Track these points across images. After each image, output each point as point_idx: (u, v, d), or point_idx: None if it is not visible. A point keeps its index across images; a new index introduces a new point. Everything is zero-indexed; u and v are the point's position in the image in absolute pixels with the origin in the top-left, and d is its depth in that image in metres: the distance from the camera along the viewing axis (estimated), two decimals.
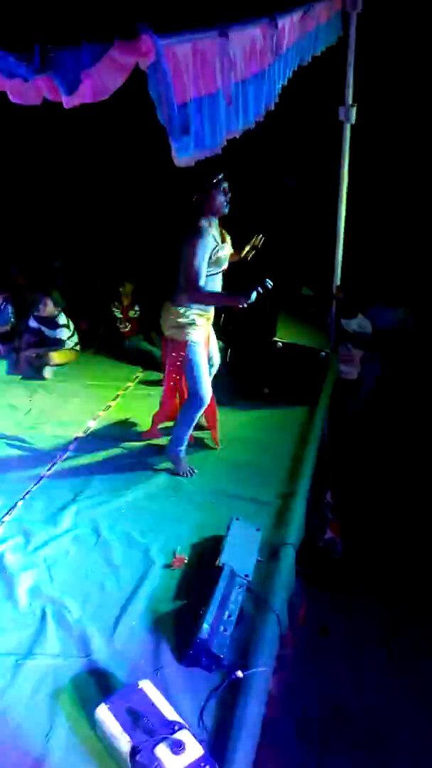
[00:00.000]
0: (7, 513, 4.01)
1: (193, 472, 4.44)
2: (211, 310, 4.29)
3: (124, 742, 2.37)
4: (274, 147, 6.20)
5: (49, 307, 6.19)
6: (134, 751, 2.32)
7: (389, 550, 4.33)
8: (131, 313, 6.52)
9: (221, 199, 3.97)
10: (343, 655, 3.34)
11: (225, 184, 3.95)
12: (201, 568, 3.48)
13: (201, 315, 4.18)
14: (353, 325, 6.04)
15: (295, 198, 7.13)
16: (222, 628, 2.97)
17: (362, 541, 4.42)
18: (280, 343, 5.34)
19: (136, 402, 5.55)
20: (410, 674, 3.21)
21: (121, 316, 6.52)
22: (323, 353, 5.38)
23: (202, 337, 4.24)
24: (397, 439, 5.63)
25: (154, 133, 2.78)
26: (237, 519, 3.69)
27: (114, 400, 5.54)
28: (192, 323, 4.14)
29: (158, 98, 2.65)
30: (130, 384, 5.87)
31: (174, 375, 4.39)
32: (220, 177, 3.92)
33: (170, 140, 2.74)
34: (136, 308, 6.53)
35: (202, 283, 3.95)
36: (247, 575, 3.34)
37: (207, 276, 4.01)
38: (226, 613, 3.06)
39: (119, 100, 2.66)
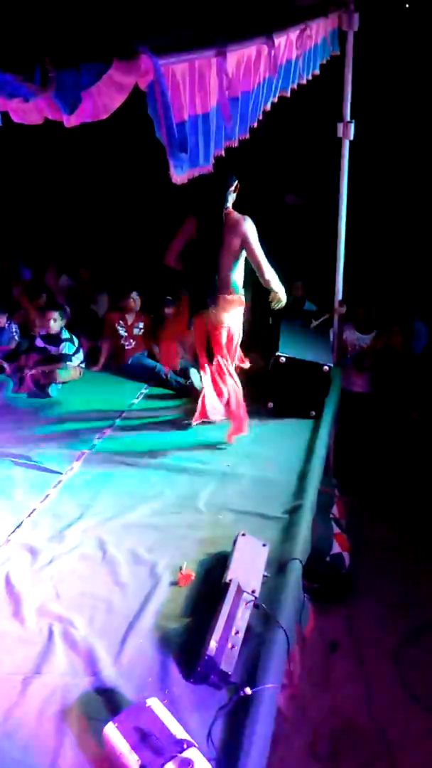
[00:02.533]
0: (13, 531, 4.00)
1: None
2: None
3: (132, 762, 2.35)
4: (274, 164, 6.27)
5: (52, 323, 6.21)
6: None
7: (397, 562, 4.30)
8: (135, 331, 6.54)
9: (233, 195, 4.69)
10: (353, 670, 3.31)
11: (236, 183, 4.67)
12: (208, 585, 3.46)
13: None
14: (368, 340, 6.05)
15: (297, 214, 7.18)
16: (230, 645, 2.95)
17: (369, 555, 4.40)
18: (283, 358, 5.34)
19: (141, 418, 5.55)
20: (420, 688, 3.17)
21: (125, 334, 6.53)
22: (326, 367, 5.38)
23: None
24: (404, 451, 5.60)
25: (155, 148, 2.81)
26: (243, 534, 3.66)
27: (118, 417, 5.55)
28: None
29: (156, 117, 2.69)
30: (135, 400, 5.87)
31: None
32: (234, 178, 4.63)
33: (169, 158, 2.77)
34: (140, 325, 6.55)
35: None
36: (254, 591, 3.31)
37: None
38: (234, 629, 3.03)
39: (122, 115, 2.69)
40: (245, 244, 4.70)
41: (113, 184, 7.66)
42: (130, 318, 6.54)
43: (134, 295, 6.54)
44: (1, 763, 2.51)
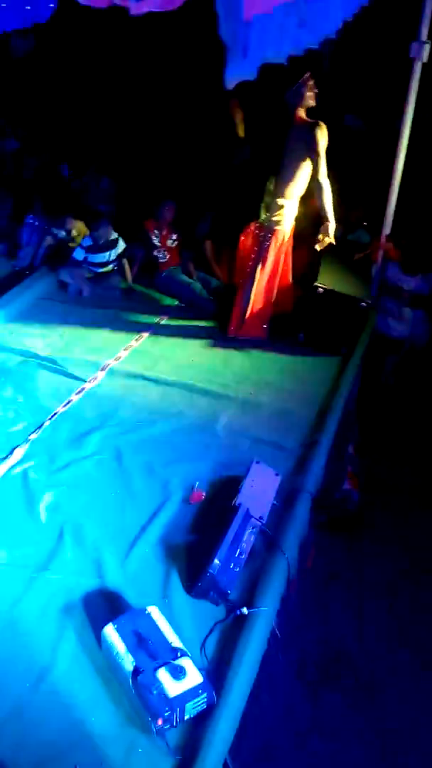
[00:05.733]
0: (33, 432, 4.09)
1: None
2: None
3: (127, 662, 2.47)
4: (339, 82, 5.92)
5: (107, 230, 6.11)
6: (136, 672, 2.41)
7: (407, 505, 4.33)
8: (169, 242, 6.37)
9: (309, 94, 4.74)
10: (349, 604, 3.40)
11: (311, 81, 4.72)
12: (217, 506, 3.52)
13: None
14: (412, 283, 5.85)
15: (356, 137, 6.82)
16: (232, 565, 3.03)
17: (379, 496, 4.43)
18: (320, 289, 5.21)
19: (168, 336, 5.52)
20: (411, 626, 3.26)
21: (159, 244, 6.37)
22: (363, 304, 5.25)
23: None
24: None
25: (205, 55, 2.66)
26: (257, 462, 3.70)
27: (147, 331, 5.52)
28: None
29: (225, 14, 2.52)
30: (164, 316, 5.82)
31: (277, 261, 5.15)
32: (307, 75, 4.67)
33: (227, 59, 2.62)
34: (174, 237, 6.37)
35: None
36: (261, 517, 3.37)
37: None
38: (238, 551, 3.11)
39: (179, 16, 2.55)
40: (310, 152, 4.73)
41: (162, 89, 7.32)
42: (164, 229, 6.37)
43: (170, 204, 6.34)
44: (2, 650, 2.66)
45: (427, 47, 4.97)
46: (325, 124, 4.88)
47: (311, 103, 4.83)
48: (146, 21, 2.75)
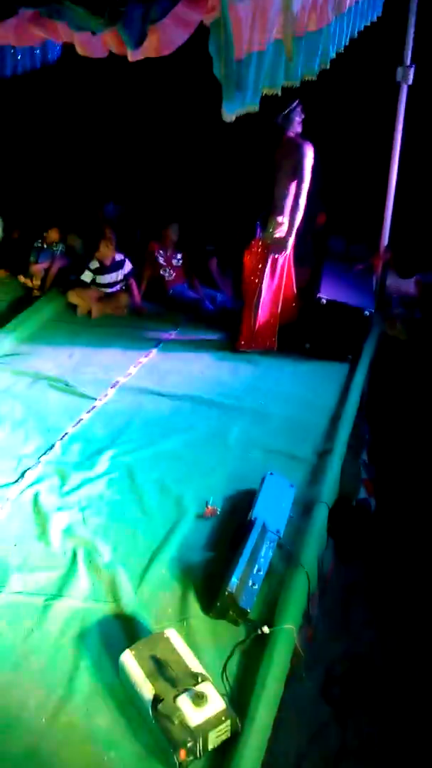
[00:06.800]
0: (44, 453, 4.05)
1: None
2: None
3: (146, 690, 2.40)
4: (327, 105, 5.95)
5: (111, 250, 6.12)
6: (156, 700, 2.35)
7: (424, 511, 4.25)
8: (174, 262, 6.40)
9: (298, 120, 4.95)
10: (370, 615, 3.31)
11: (300, 107, 4.91)
12: (232, 521, 3.47)
13: None
14: (411, 286, 5.83)
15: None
16: (250, 582, 2.97)
17: (397, 503, 4.36)
18: (323, 300, 5.21)
19: (177, 350, 5.48)
20: None
21: (165, 263, 6.39)
22: (367, 312, 5.22)
23: None
24: None
25: (202, 83, 2.70)
26: (271, 474, 3.64)
27: (156, 347, 5.49)
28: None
29: (217, 54, 2.60)
30: (172, 332, 5.79)
31: (282, 275, 5.27)
32: (296, 102, 4.86)
33: (223, 95, 2.66)
34: (179, 256, 6.39)
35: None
36: (278, 531, 3.31)
37: None
38: (256, 567, 3.05)
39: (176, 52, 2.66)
40: (297, 167, 4.89)
41: (161, 120, 7.34)
42: (169, 249, 6.39)
43: (175, 227, 6.37)
44: (19, 681, 2.60)
45: (411, 70, 5.14)
46: (319, 147, 5.01)
47: (298, 129, 5.01)
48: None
